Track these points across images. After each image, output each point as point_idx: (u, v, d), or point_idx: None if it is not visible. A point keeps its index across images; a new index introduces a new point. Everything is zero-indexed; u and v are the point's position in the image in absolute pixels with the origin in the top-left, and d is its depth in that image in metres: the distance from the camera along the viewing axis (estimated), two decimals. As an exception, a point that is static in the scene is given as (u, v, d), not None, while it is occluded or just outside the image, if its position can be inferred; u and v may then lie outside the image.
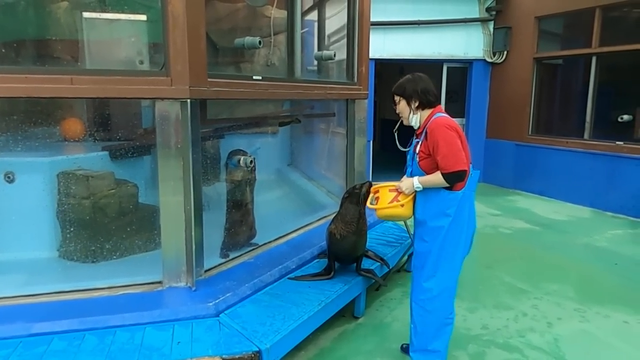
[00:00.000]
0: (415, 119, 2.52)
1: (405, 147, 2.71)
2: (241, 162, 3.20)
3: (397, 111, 2.59)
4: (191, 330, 2.44)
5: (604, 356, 2.75)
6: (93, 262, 3.30)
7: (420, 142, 2.47)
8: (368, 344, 2.94)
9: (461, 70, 8.45)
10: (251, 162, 3.21)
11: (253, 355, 2.26)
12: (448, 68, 8.31)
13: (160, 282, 2.82)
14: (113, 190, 3.57)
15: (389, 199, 2.58)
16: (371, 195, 2.75)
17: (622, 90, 6.59)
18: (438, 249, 2.51)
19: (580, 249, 4.93)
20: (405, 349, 2.83)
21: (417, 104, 2.49)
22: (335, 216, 3.22)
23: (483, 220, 6.07)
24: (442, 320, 2.57)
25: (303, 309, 2.71)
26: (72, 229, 3.32)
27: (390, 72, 11.77)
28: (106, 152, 3.62)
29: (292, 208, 4.71)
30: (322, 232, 3.98)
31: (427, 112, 2.50)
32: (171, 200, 2.73)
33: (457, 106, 8.58)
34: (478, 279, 4.10)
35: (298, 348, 2.77)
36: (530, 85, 7.50)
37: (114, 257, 3.34)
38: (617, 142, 6.23)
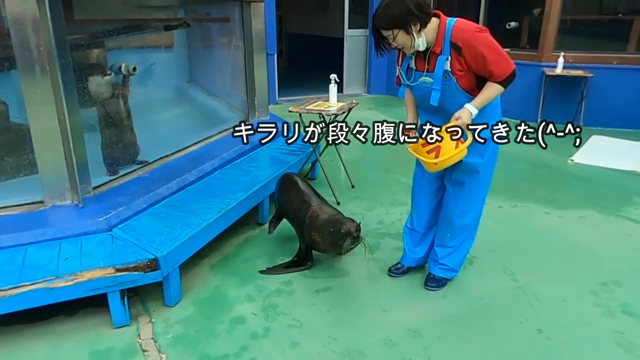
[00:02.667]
0: (422, 41, 2.08)
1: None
2: (123, 68, 2.92)
3: (396, 46, 2.12)
4: (80, 246, 2.33)
5: (480, 235, 3.10)
6: None
7: (448, 60, 2.09)
8: (271, 246, 3.03)
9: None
10: (134, 68, 2.95)
11: (149, 263, 2.22)
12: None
13: (42, 202, 2.61)
14: None
15: (453, 144, 2.13)
16: (419, 149, 2.23)
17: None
18: (493, 162, 2.37)
19: (469, 149, 5.35)
20: (400, 270, 2.69)
21: (418, 26, 2.04)
22: (321, 229, 2.52)
23: (385, 128, 6.30)
24: (475, 228, 2.54)
25: (202, 217, 2.68)
26: None
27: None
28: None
29: (192, 124, 4.51)
30: (225, 144, 3.89)
31: (432, 26, 2.09)
32: (41, 113, 2.45)
33: (360, 17, 8.48)
34: (377, 181, 4.33)
35: (201, 255, 2.78)
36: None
37: None
38: (504, 49, 6.60)
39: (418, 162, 2.55)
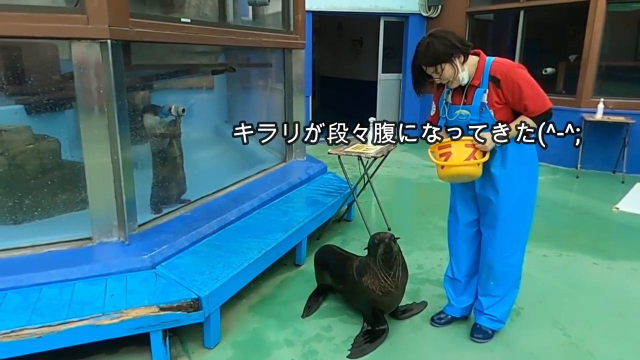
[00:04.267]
0: (464, 75, 2.15)
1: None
2: (172, 110, 3.04)
3: (441, 81, 2.20)
4: (125, 283, 2.35)
5: (525, 285, 2.98)
6: (14, 223, 3.07)
7: (486, 93, 2.15)
8: (309, 289, 2.99)
9: (398, 24, 8.47)
10: (183, 110, 3.06)
11: (192, 303, 2.23)
12: (385, 22, 8.29)
13: (89, 239, 2.68)
14: (31, 146, 3.31)
15: (465, 155, 2.14)
16: (435, 150, 2.25)
17: (547, 44, 6.92)
18: (532, 198, 2.33)
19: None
20: (443, 320, 2.60)
21: (462, 59, 2.14)
22: (365, 265, 2.47)
23: (419, 171, 6.28)
24: (518, 276, 2.46)
25: (243, 257, 2.69)
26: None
27: (328, 28, 11.62)
28: (21, 106, 3.31)
29: (230, 163, 4.60)
30: (263, 184, 3.95)
31: (473, 60, 2.19)
32: (96, 151, 2.55)
33: (393, 62, 8.66)
34: (413, 224, 4.27)
35: (240, 296, 2.77)
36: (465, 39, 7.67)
37: (37, 217, 3.11)
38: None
39: (451, 207, 2.54)
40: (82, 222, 2.72)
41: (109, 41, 2.41)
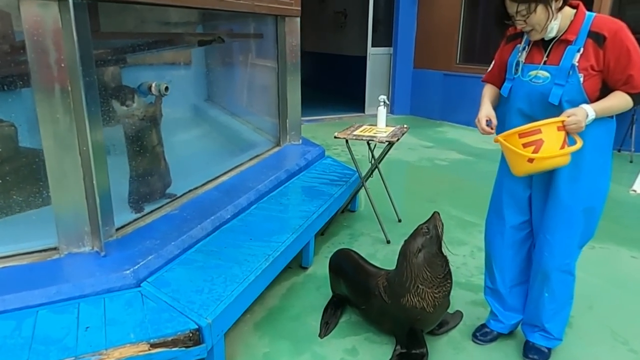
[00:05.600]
0: (555, 25, 1.73)
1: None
2: (153, 88, 2.50)
3: (524, 27, 1.75)
4: (104, 308, 1.87)
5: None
6: None
7: (579, 53, 1.72)
8: (321, 298, 2.57)
9: (388, -6, 7.94)
10: (166, 88, 2.53)
11: (191, 334, 1.76)
12: (375, -8, 7.75)
13: (55, 249, 2.17)
14: None
15: (560, 142, 1.69)
16: (514, 138, 1.73)
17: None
18: (605, 192, 1.91)
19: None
20: (488, 336, 2.22)
21: (560, 3, 1.71)
22: (403, 277, 2.02)
23: (417, 152, 5.89)
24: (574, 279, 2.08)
25: (247, 267, 2.23)
26: None
27: (308, 1, 10.95)
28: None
29: (218, 149, 4.09)
30: (258, 173, 3.46)
31: (568, 12, 1.75)
32: (59, 141, 2.02)
33: (383, 35, 8.15)
34: (425, 214, 3.85)
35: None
36: (460, 11, 7.23)
37: None
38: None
39: (495, 207, 2.12)
40: (46, 227, 2.20)
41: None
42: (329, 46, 10.82)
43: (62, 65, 1.94)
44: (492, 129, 1.92)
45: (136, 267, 2.07)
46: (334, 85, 10.58)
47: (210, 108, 4.76)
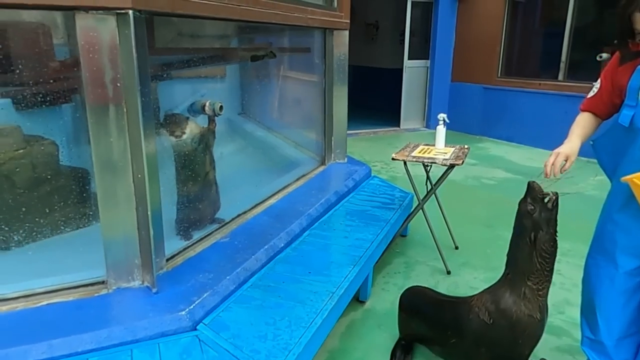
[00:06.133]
0: None
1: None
2: (207, 107, 2.33)
3: None
4: (159, 356, 1.67)
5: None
6: (1, 248, 2.39)
7: None
8: (385, 338, 2.33)
9: (425, 5, 7.72)
10: (221, 107, 2.35)
11: (260, 393, 1.54)
12: (413, 3, 7.54)
13: (103, 283, 1.98)
14: (22, 151, 2.62)
15: None
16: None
17: (602, 26, 6.20)
18: None
19: (571, 199, 4.58)
20: None
21: None
22: (511, 287, 1.83)
23: (462, 170, 5.59)
24: None
25: (311, 307, 2.01)
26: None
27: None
28: (8, 100, 2.59)
29: (261, 167, 3.90)
30: (305, 195, 3.25)
31: None
32: (112, 165, 1.84)
33: (419, 47, 7.92)
34: (483, 240, 3.59)
35: (303, 355, 2.08)
36: (502, 23, 6.95)
37: (31, 240, 2.43)
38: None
39: (605, 247, 1.85)
40: (93, 256, 2.02)
41: (130, 12, 1.68)
42: (360, 58, 10.63)
43: (118, 84, 1.77)
44: (562, 171, 1.68)
45: (191, 306, 1.87)
46: (365, 98, 10.38)
47: (245, 122, 4.60)
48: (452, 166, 2.88)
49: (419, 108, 8.04)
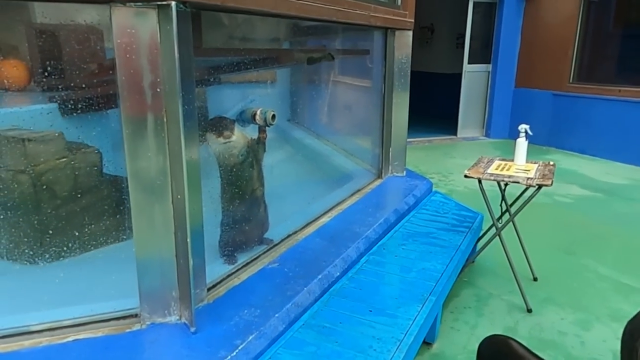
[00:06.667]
0: None
1: None
2: (258, 117, 2.04)
3: None
4: (195, 418, 1.38)
5: None
6: (29, 262, 2.24)
7: None
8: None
9: (488, 6, 7.20)
10: (273, 116, 2.06)
11: None
12: (475, 3, 7.05)
13: (136, 316, 1.73)
14: (64, 159, 2.46)
15: None
16: None
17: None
18: None
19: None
20: None
21: None
22: None
23: (530, 185, 5.07)
24: None
25: (375, 359, 1.66)
26: (3, 216, 2.23)
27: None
28: (54, 104, 2.43)
29: (311, 179, 3.61)
30: (361, 213, 2.92)
31: None
32: (149, 184, 1.59)
33: (480, 50, 7.40)
34: (566, 271, 3.11)
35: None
36: (576, 23, 6.33)
37: (62, 257, 2.25)
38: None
39: None
40: (129, 276, 1.77)
41: (173, 4, 1.42)
42: (414, 63, 10.17)
43: (158, 90, 1.52)
44: None
45: (234, 352, 1.58)
46: (419, 105, 9.90)
47: (294, 129, 4.31)
48: (539, 187, 2.45)
49: (478, 115, 7.51)
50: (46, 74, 2.26)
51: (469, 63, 7.27)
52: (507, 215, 2.85)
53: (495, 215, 2.72)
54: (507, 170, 2.66)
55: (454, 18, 8.51)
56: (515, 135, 2.81)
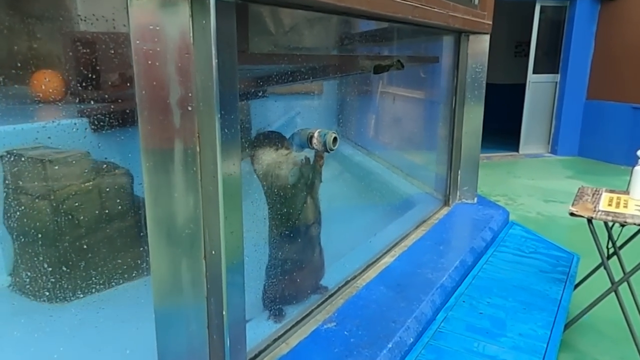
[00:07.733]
0: None
1: None
2: (316, 140, 1.61)
3: None
4: None
5: None
6: (51, 301, 1.95)
7: None
8: None
9: (556, 10, 6.54)
10: (335, 139, 1.62)
11: None
12: (542, 7, 6.41)
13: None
14: (89, 183, 2.15)
15: None
16: None
17: None
18: None
19: None
20: None
21: None
22: None
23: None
24: None
25: None
26: (22, 246, 1.93)
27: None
28: (85, 119, 2.12)
29: (367, 209, 3.14)
30: (430, 253, 2.42)
31: None
32: (174, 236, 1.18)
33: (546, 59, 6.73)
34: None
35: None
36: (663, 28, 5.60)
37: (82, 295, 1.94)
38: None
39: None
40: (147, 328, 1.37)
41: (210, -8, 1.01)
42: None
43: (189, 108, 1.11)
44: None
45: None
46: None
47: (344, 146, 3.85)
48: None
49: (544, 130, 6.81)
50: (81, 85, 1.94)
51: (533, 73, 6.62)
52: (613, 260, 2.29)
53: (606, 264, 2.16)
54: (624, 206, 2.10)
55: (512, 25, 7.87)
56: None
